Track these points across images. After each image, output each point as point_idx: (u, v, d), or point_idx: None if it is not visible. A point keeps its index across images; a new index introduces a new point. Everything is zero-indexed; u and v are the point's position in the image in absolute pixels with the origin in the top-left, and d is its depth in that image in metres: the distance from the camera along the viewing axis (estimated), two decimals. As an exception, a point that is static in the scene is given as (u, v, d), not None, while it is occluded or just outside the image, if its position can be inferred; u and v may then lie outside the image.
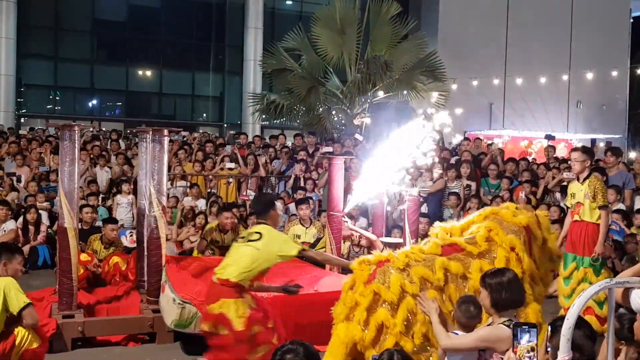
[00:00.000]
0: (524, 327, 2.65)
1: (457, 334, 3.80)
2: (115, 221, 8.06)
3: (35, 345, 4.58)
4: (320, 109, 15.66)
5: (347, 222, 7.55)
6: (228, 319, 4.56)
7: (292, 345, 2.66)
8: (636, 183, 9.20)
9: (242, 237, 4.94)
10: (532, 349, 2.61)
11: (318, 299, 6.26)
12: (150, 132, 6.51)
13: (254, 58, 22.92)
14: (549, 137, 14.61)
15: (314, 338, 5.82)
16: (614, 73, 21.65)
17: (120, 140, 13.97)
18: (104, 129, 19.48)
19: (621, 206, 8.39)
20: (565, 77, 21.86)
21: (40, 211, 9.42)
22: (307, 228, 8.83)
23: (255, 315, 4.69)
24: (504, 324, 3.45)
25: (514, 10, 23.04)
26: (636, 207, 8.53)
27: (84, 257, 6.98)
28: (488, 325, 3.65)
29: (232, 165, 11.17)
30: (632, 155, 20.80)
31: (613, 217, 8.03)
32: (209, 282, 4.89)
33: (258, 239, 4.77)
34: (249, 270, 4.70)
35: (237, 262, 4.71)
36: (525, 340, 2.62)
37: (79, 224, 6.88)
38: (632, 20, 26.60)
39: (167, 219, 6.97)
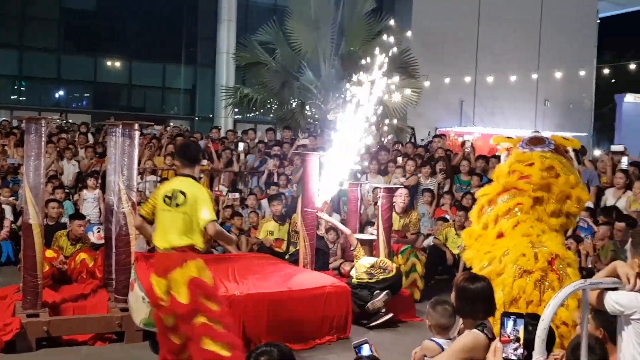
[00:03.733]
0: (511, 316, 2.59)
1: (434, 340, 3.66)
2: (82, 217, 7.88)
3: None
4: (294, 104, 15.59)
5: (322, 215, 7.57)
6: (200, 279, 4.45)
7: (267, 347, 2.61)
8: (600, 181, 9.33)
9: (170, 197, 4.62)
10: (518, 339, 2.56)
11: (291, 297, 6.23)
12: (120, 126, 6.36)
13: (226, 51, 22.70)
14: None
15: (287, 335, 5.82)
16: (581, 72, 21.99)
17: (89, 133, 13.66)
18: (70, 120, 19.10)
19: (589, 204, 8.48)
20: (534, 76, 22.14)
21: (3, 206, 9.16)
22: (280, 224, 8.75)
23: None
24: (477, 329, 3.32)
25: (486, 9, 23.24)
26: (606, 204, 8.64)
27: (49, 253, 6.80)
28: (458, 332, 3.52)
29: (204, 161, 11.02)
30: (597, 153, 21.15)
31: (582, 215, 8.11)
32: (157, 256, 4.73)
33: (184, 203, 4.55)
34: (193, 234, 4.56)
35: (175, 229, 4.55)
36: (510, 329, 2.56)
37: (44, 219, 6.70)
38: (598, 21, 27.04)
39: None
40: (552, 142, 5.39)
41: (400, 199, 8.15)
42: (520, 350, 2.58)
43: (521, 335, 2.59)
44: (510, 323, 2.58)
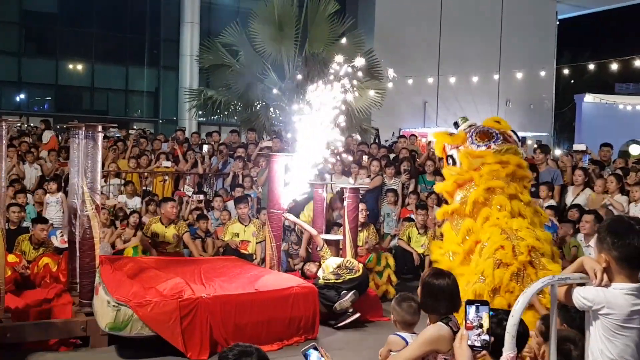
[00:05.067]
0: (475, 303, 2.58)
1: (399, 335, 3.73)
2: (45, 221, 7.73)
3: None
4: (259, 106, 15.53)
5: (288, 215, 7.58)
6: None
7: (250, 348, 2.51)
8: (563, 179, 9.54)
9: None
10: (481, 326, 2.56)
11: (258, 298, 6.22)
12: (83, 128, 6.27)
13: (190, 53, 22.52)
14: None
15: (254, 337, 5.82)
16: (542, 73, 22.43)
17: (45, 131, 13.34)
18: (32, 124, 18.71)
19: (552, 202, 8.67)
20: (495, 77, 22.49)
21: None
22: (245, 226, 8.73)
23: None
24: (442, 322, 3.36)
25: (447, 11, 23.52)
26: (568, 202, 8.84)
27: (11, 258, 6.67)
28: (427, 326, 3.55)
29: (169, 163, 10.92)
30: (558, 152, 21.62)
31: (546, 213, 8.29)
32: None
33: None
34: None
35: None
36: (472, 316, 2.57)
37: (6, 223, 6.56)
38: (558, 22, 27.62)
39: (101, 219, 6.75)
40: (498, 133, 5.51)
41: (361, 214, 8.25)
42: (484, 337, 2.57)
43: (485, 321, 2.58)
44: (472, 309, 2.57)
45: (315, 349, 2.73)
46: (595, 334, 2.68)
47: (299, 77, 13.58)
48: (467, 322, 2.59)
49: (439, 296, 3.39)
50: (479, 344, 2.54)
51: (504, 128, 5.71)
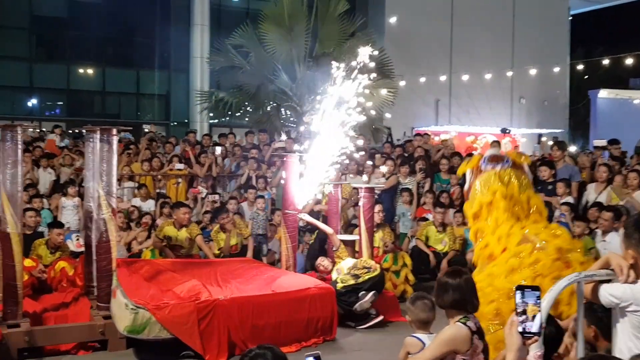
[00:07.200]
0: (525, 289, 2.49)
1: (415, 336, 3.70)
2: (61, 225, 7.73)
3: None
4: (270, 107, 15.51)
5: (303, 216, 7.54)
6: None
7: (260, 350, 2.54)
8: (582, 176, 9.41)
9: None
10: (524, 312, 2.48)
11: (275, 300, 6.19)
12: (98, 132, 6.26)
13: (200, 55, 22.54)
14: (504, 131, 15.06)
15: (273, 339, 5.79)
16: (556, 69, 22.21)
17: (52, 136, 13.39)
18: (44, 129, 18.80)
19: (569, 199, 8.54)
20: (509, 74, 22.32)
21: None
22: (229, 234, 8.68)
23: None
24: (460, 322, 3.34)
25: (458, 9, 23.39)
26: (588, 200, 8.71)
27: (28, 262, 6.67)
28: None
29: (182, 165, 10.90)
30: (572, 149, 21.44)
31: (562, 209, 8.18)
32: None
33: None
34: None
35: None
36: (518, 301, 2.49)
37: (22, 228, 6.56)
38: (570, 18, 27.37)
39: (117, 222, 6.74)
40: (509, 159, 6.01)
41: (377, 215, 8.19)
42: (528, 323, 2.48)
43: (530, 307, 2.49)
44: (518, 295, 2.49)
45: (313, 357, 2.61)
46: (622, 331, 2.64)
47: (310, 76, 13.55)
48: (516, 308, 2.52)
49: (448, 289, 3.39)
50: (520, 329, 2.45)
51: (526, 161, 6.27)
